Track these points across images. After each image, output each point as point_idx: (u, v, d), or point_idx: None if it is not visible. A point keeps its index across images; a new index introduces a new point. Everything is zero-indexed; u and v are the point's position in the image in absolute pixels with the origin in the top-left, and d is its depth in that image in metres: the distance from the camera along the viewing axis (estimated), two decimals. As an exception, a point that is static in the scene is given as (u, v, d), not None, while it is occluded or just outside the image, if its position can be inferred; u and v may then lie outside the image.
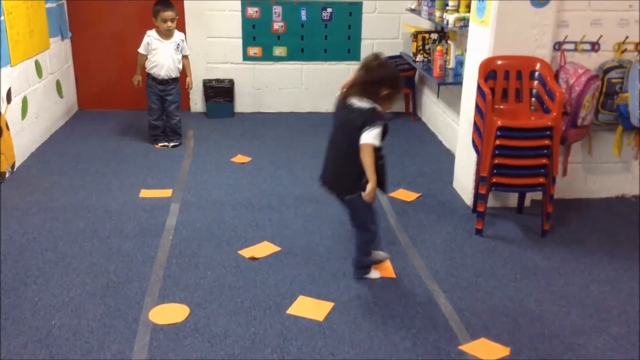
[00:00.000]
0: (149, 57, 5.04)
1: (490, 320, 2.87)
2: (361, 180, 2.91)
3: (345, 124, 2.95)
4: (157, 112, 5.16)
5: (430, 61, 5.32)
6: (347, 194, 3.02)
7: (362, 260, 3.20)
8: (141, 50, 5.06)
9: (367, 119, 2.85)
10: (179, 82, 5.19)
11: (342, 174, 3.01)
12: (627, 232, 3.81)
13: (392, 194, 4.23)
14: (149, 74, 5.10)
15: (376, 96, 2.92)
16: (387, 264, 3.33)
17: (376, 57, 2.99)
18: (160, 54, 5.02)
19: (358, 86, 2.94)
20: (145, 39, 5.03)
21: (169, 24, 4.93)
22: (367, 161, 2.84)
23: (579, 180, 4.23)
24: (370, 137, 2.84)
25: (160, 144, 5.18)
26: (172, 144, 5.21)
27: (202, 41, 6.03)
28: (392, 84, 2.95)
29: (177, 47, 5.07)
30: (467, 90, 4.12)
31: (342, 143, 2.97)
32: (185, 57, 5.16)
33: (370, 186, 2.85)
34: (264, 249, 3.49)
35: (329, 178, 3.09)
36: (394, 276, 3.23)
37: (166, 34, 5.00)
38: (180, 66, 5.15)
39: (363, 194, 2.89)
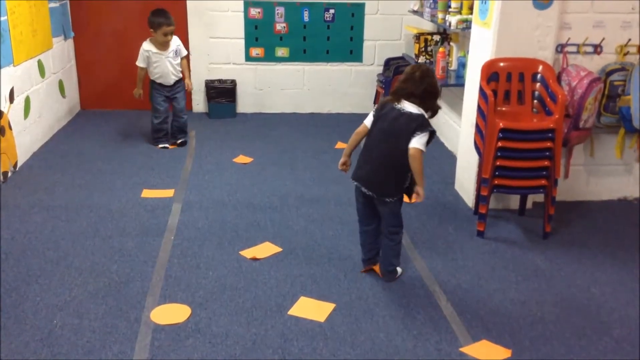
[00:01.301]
0: (150, 69, 5.04)
1: (491, 322, 2.87)
2: (404, 183, 3.01)
3: (393, 127, 2.96)
4: (164, 113, 5.15)
5: (433, 63, 5.31)
6: (388, 197, 3.03)
7: (394, 263, 3.20)
8: (140, 64, 5.04)
9: (419, 125, 2.91)
10: (183, 81, 5.21)
11: (388, 176, 3.01)
12: (629, 234, 3.81)
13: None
14: (154, 81, 5.11)
15: (429, 106, 2.99)
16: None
17: (429, 68, 3.08)
18: (162, 66, 5.03)
19: (412, 92, 2.96)
20: (144, 53, 5.00)
21: (169, 37, 4.96)
22: (418, 167, 2.91)
23: (581, 183, 4.23)
24: (420, 143, 2.90)
25: (161, 145, 5.19)
26: (179, 141, 5.22)
27: (205, 41, 6.04)
28: (437, 98, 3.07)
29: (176, 54, 5.07)
30: (469, 92, 4.12)
31: (389, 146, 2.97)
32: (183, 58, 5.16)
33: (421, 191, 2.95)
34: (265, 249, 3.49)
35: (372, 178, 3.04)
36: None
37: (164, 45, 5.00)
38: (180, 68, 5.16)
39: (414, 196, 2.98)
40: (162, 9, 4.99)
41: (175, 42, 5.08)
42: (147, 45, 5.01)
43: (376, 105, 3.06)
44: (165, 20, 4.91)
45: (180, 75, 5.15)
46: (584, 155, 4.16)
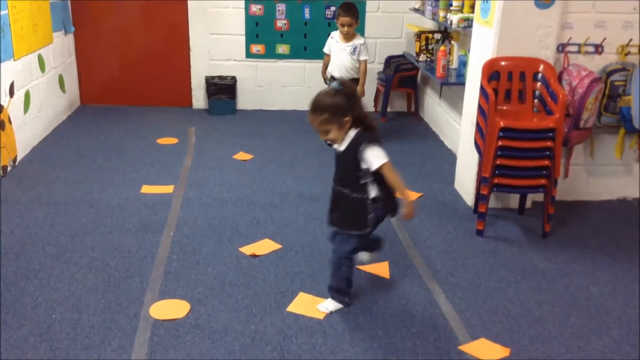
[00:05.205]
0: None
1: (490, 321, 2.88)
2: None
3: None
4: None
5: (433, 61, 5.31)
6: None
7: None
8: (325, 49, 5.18)
9: None
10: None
11: None
12: (628, 234, 3.81)
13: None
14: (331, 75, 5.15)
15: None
16: (384, 264, 3.33)
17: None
18: (335, 56, 5.08)
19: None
20: (328, 40, 5.13)
21: (346, 28, 4.97)
22: None
23: (581, 183, 4.23)
24: None
25: None
26: None
27: (206, 38, 6.03)
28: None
29: (354, 51, 5.03)
30: (470, 90, 4.12)
31: None
32: (362, 61, 5.08)
33: None
34: (264, 246, 3.49)
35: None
36: (387, 277, 3.23)
37: (344, 37, 5.04)
38: (357, 69, 5.12)
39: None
40: (350, 3, 5.07)
41: (358, 40, 5.06)
42: (333, 33, 5.13)
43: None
44: (342, 11, 5.01)
45: (355, 76, 5.10)
46: (584, 155, 4.17)
